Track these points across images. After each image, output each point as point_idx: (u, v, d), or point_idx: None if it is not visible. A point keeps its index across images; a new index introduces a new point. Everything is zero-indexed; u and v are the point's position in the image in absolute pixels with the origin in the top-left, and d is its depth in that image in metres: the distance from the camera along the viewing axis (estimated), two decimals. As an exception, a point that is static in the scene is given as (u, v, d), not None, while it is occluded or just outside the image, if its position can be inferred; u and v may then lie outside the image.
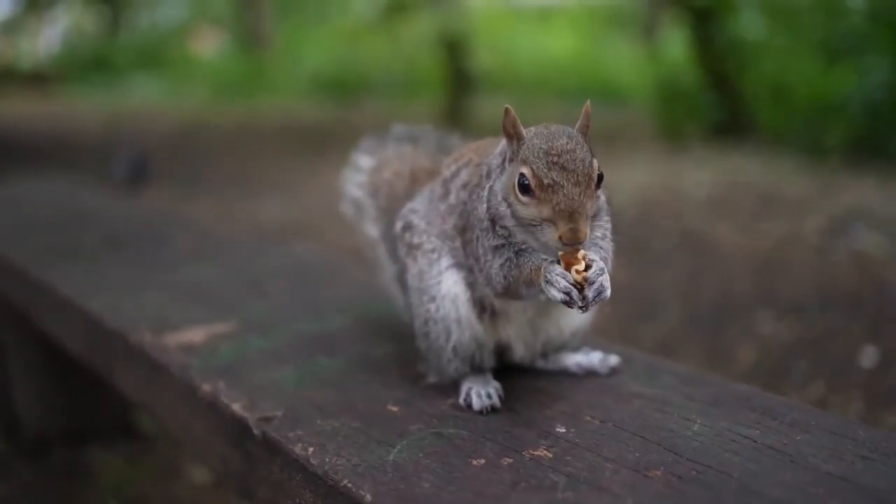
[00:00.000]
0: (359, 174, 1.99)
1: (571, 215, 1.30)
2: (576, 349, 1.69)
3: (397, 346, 1.84)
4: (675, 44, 11.14)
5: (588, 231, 1.31)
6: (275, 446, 1.48)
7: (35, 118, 16.19)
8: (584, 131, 1.42)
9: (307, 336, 1.95)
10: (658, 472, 1.25)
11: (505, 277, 1.44)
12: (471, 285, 1.56)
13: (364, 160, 1.99)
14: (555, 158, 1.33)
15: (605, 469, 1.27)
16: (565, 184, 1.31)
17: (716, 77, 9.45)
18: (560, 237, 1.30)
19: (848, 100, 7.65)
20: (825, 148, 7.75)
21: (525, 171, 1.34)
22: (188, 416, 1.78)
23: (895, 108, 7.31)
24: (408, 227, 1.66)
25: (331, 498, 1.33)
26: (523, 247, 1.42)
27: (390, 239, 1.78)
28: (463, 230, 1.54)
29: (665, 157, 9.33)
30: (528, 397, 1.57)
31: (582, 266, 1.35)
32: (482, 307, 1.57)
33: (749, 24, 9.07)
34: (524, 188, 1.35)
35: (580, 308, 1.34)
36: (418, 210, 1.66)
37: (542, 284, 1.36)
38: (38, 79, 23.88)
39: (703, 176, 8.18)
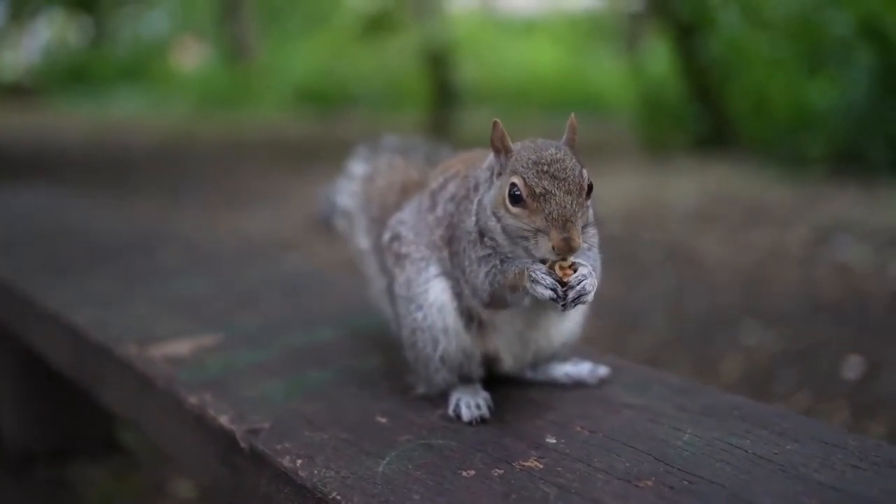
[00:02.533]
0: (351, 183, 1.98)
1: (564, 224, 1.30)
2: (564, 359, 1.69)
3: (386, 359, 1.83)
4: (658, 56, 11.21)
5: (581, 241, 1.32)
6: (262, 459, 1.47)
7: (16, 130, 16.08)
8: (571, 144, 1.43)
9: (296, 348, 1.94)
10: (649, 483, 1.25)
11: (490, 285, 1.44)
12: (458, 295, 1.55)
13: (358, 168, 1.99)
14: (545, 168, 1.33)
15: (597, 479, 1.27)
16: (557, 192, 1.31)
17: (699, 89, 9.52)
18: (554, 247, 1.31)
19: (829, 111, 7.71)
20: (808, 159, 7.81)
21: (516, 181, 1.34)
22: (175, 430, 1.77)
23: (876, 119, 7.38)
24: (396, 237, 1.66)
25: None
26: (510, 255, 1.42)
27: (380, 250, 1.78)
28: (450, 241, 1.54)
29: (649, 169, 9.38)
30: (517, 408, 1.56)
31: (569, 262, 1.37)
32: (469, 317, 1.57)
33: (731, 36, 9.14)
34: (515, 199, 1.35)
35: (562, 306, 1.35)
36: (406, 221, 1.66)
37: (528, 285, 1.36)
38: (19, 90, 23.75)
39: (687, 188, 8.23)
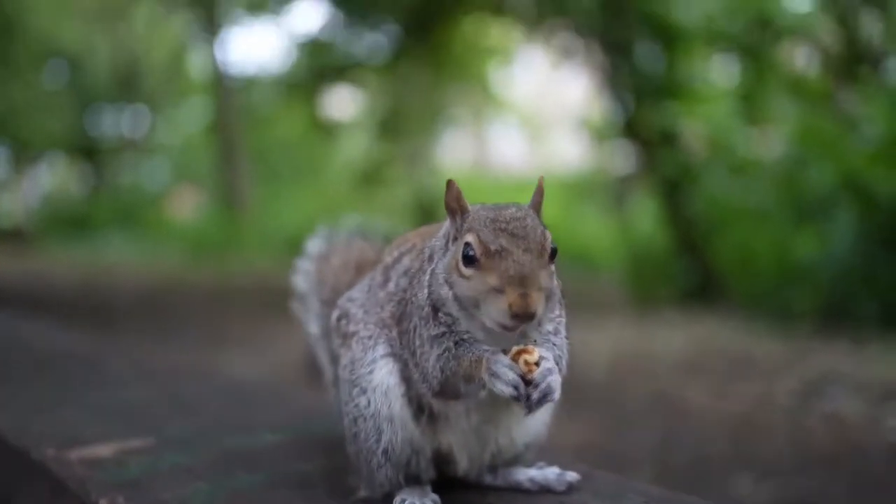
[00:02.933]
0: (307, 261, 1.80)
1: (522, 281, 1.15)
2: (529, 464, 1.49)
3: (330, 461, 1.62)
4: (646, 212, 11.36)
5: (542, 307, 1.16)
6: None
7: (7, 272, 16.00)
8: (537, 208, 1.30)
9: (230, 451, 1.73)
10: None
11: (442, 371, 1.25)
12: (407, 380, 1.36)
13: (314, 245, 1.81)
14: (503, 225, 1.20)
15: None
16: (514, 250, 1.17)
17: (685, 243, 9.56)
18: (510, 305, 1.14)
19: (815, 266, 7.69)
20: (795, 313, 7.72)
21: (470, 239, 1.21)
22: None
23: (862, 273, 7.34)
24: (344, 315, 1.49)
25: None
26: (465, 336, 1.26)
27: (329, 335, 1.60)
28: (400, 319, 1.37)
29: (636, 322, 9.26)
30: (471, 507, 1.36)
31: (535, 357, 1.20)
32: (419, 407, 1.37)
33: (716, 191, 9.27)
34: (468, 259, 1.20)
35: (525, 407, 1.18)
36: (356, 298, 1.50)
37: (486, 377, 1.19)
38: (16, 236, 23.89)
39: (674, 340, 8.08)
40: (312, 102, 15.65)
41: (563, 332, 1.33)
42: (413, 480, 1.38)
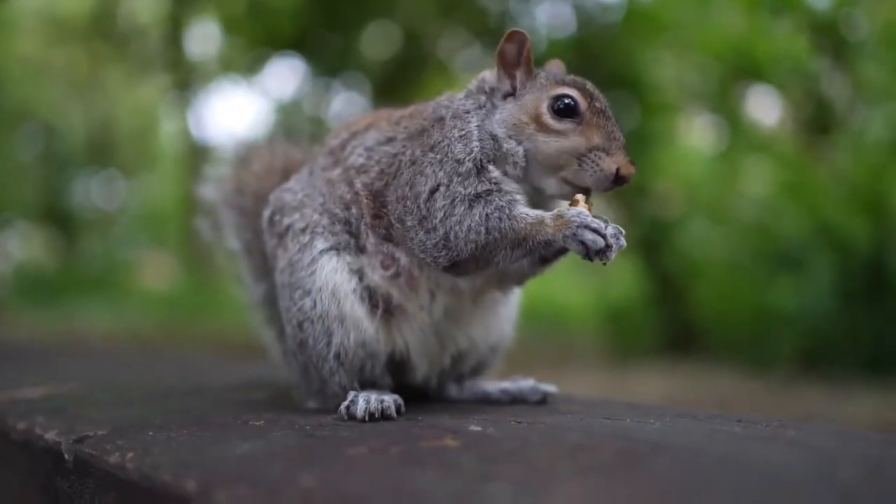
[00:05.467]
0: (220, 167, 1.57)
1: (625, 147, 1.11)
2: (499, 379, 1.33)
3: (279, 392, 1.45)
4: (621, 266, 11.32)
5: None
6: (86, 467, 1.09)
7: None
8: None
9: (172, 387, 1.56)
10: (608, 449, 0.89)
11: (487, 232, 1.10)
12: (358, 272, 1.21)
13: (230, 150, 1.59)
14: (594, 91, 1.17)
15: (531, 447, 0.91)
16: (612, 118, 1.14)
17: (663, 295, 9.48)
18: (619, 169, 1.09)
19: (792, 314, 7.63)
20: (773, 359, 7.61)
21: (568, 91, 1.13)
22: (4, 474, 1.36)
23: (839, 320, 7.28)
24: (278, 209, 1.29)
25: (144, 500, 0.94)
26: (518, 196, 1.14)
27: (254, 251, 1.41)
28: (382, 190, 1.21)
29: (616, 373, 9.07)
30: (436, 411, 1.20)
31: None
32: (373, 301, 1.20)
33: (693, 243, 9.25)
34: (565, 111, 1.12)
35: (606, 258, 1.08)
36: (291, 187, 1.31)
37: (569, 233, 1.06)
38: (-12, 304, 23.37)
39: (652, 388, 7.91)
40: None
41: None
42: (370, 387, 1.22)
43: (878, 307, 7.26)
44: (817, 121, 9.26)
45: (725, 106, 9.85)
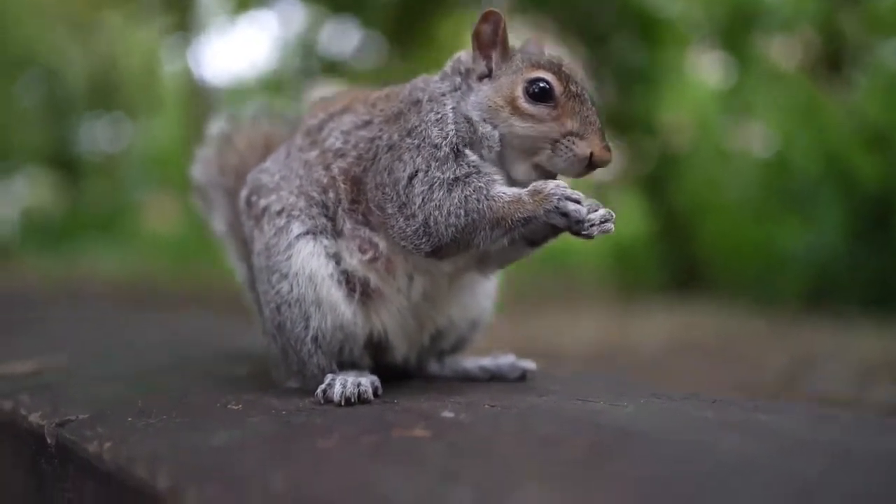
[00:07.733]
0: (207, 147, 1.54)
1: (601, 132, 1.08)
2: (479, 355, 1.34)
3: (261, 367, 1.46)
4: (627, 204, 11.28)
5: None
6: (67, 452, 1.10)
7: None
8: None
9: (156, 362, 1.57)
10: (579, 441, 0.90)
11: (466, 214, 1.10)
12: (334, 256, 1.20)
13: (216, 127, 1.56)
14: (573, 72, 1.14)
15: (500, 441, 0.92)
16: (588, 99, 1.11)
17: (669, 233, 9.45)
18: (593, 154, 1.07)
19: (800, 252, 7.61)
20: (780, 298, 7.62)
21: (542, 75, 1.10)
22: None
23: (847, 259, 7.26)
24: (255, 190, 1.28)
25: (120, 492, 0.95)
26: (496, 177, 1.13)
27: (237, 229, 1.40)
28: (361, 176, 1.20)
29: (621, 311, 9.09)
30: (413, 392, 1.20)
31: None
32: (350, 285, 1.20)
33: (701, 181, 9.18)
34: (539, 95, 1.10)
35: (586, 232, 1.07)
36: (269, 168, 1.30)
37: (550, 206, 1.06)
38: (-5, 249, 23.54)
39: (659, 325, 7.94)
40: (298, 103, 15.46)
41: None
42: (349, 367, 1.22)
43: (887, 245, 7.23)
44: (829, 58, 9.09)
45: (733, 41, 9.68)
